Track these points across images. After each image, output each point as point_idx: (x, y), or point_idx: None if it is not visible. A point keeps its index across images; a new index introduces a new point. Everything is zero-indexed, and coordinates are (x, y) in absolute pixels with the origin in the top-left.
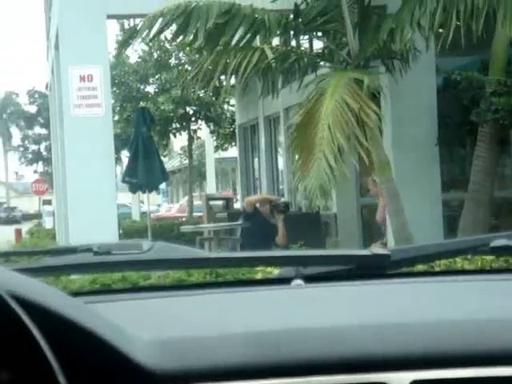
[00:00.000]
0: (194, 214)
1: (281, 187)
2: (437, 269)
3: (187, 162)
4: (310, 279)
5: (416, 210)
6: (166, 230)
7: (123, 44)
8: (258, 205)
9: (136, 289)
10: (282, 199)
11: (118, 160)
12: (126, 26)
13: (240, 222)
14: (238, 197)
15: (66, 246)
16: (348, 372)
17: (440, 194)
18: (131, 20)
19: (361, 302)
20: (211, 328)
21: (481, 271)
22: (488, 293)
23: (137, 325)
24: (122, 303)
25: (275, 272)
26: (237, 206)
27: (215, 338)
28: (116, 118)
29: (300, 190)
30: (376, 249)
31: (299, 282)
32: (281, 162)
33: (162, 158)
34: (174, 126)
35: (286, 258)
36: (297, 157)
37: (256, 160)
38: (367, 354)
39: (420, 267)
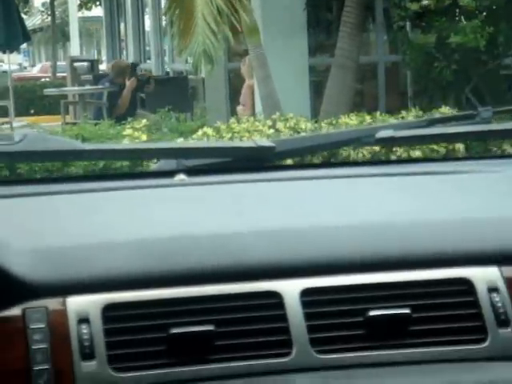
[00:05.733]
0: (58, 74)
1: (147, 49)
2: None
3: (49, 19)
4: (192, 172)
5: (283, 77)
6: (29, 91)
7: None
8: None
9: (4, 181)
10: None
11: None
12: None
13: (106, 85)
14: (104, 58)
15: None
16: (237, 281)
17: (307, 60)
18: None
19: (247, 204)
20: (93, 235)
21: (369, 163)
22: (379, 192)
23: (9, 230)
24: None
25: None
26: (102, 67)
27: (98, 247)
28: None
29: (184, 58)
30: (261, 140)
31: (182, 176)
32: (148, 23)
33: (23, 15)
34: None
35: (168, 151)
36: (174, 23)
37: (122, 20)
38: (256, 262)
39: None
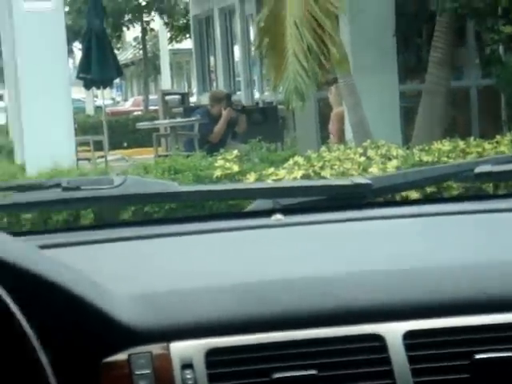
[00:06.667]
0: (150, 107)
1: (237, 79)
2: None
3: (141, 53)
4: (288, 212)
5: (374, 104)
6: (122, 126)
7: None
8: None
9: (101, 225)
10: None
11: (69, 52)
12: None
13: (197, 117)
14: (194, 90)
15: (33, 181)
16: (339, 324)
17: (397, 86)
18: None
19: (346, 244)
20: (195, 279)
21: (469, 198)
22: (482, 229)
23: (110, 275)
24: (86, 248)
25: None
26: (193, 100)
27: (200, 291)
28: (67, 9)
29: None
30: (357, 177)
31: (279, 216)
32: (237, 54)
33: (115, 50)
34: (126, 17)
35: (264, 191)
36: (265, 58)
37: (211, 52)
38: (358, 305)
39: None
